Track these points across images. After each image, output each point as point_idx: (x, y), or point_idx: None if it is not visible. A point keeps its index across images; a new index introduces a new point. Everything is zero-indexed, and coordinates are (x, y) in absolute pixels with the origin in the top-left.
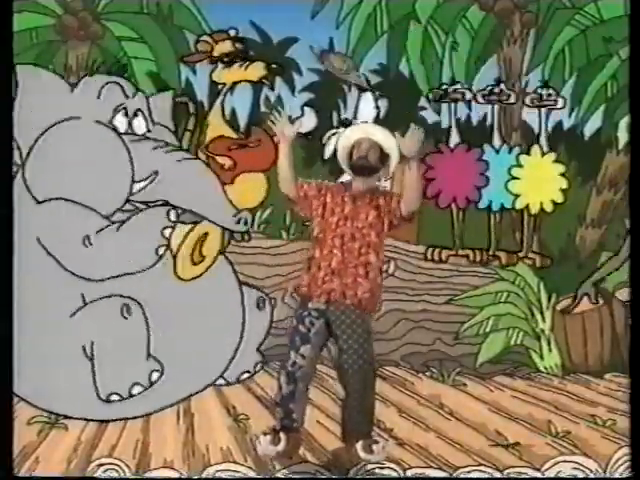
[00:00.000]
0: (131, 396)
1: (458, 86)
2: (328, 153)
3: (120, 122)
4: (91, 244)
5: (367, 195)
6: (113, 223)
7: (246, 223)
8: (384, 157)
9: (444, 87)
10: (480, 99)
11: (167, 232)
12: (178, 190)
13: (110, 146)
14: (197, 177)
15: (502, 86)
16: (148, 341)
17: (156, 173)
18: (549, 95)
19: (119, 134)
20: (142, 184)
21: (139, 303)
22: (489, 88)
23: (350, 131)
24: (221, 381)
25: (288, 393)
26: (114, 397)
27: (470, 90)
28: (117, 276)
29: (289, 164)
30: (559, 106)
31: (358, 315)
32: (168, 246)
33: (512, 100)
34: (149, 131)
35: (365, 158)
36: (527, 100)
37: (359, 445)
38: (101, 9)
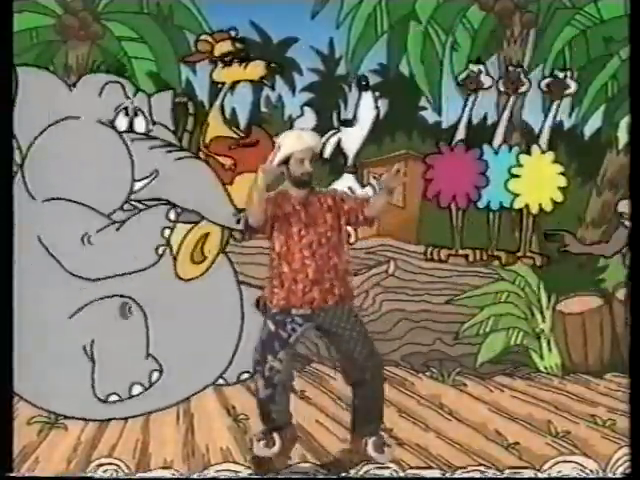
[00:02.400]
0: (131, 396)
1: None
2: (328, 153)
3: (121, 121)
4: (91, 243)
5: (313, 199)
6: (113, 222)
7: None
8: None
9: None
10: (501, 87)
11: (167, 232)
12: (178, 189)
13: (110, 145)
14: (197, 176)
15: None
16: (147, 341)
17: (156, 172)
18: (564, 78)
19: (119, 133)
20: (143, 182)
21: (138, 303)
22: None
23: (285, 144)
24: (221, 381)
25: (266, 397)
26: (113, 397)
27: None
28: (117, 275)
29: (262, 202)
30: (572, 90)
31: (346, 309)
32: (168, 246)
33: (525, 88)
34: (150, 130)
35: (309, 173)
36: (542, 85)
37: (371, 442)
38: (101, 9)
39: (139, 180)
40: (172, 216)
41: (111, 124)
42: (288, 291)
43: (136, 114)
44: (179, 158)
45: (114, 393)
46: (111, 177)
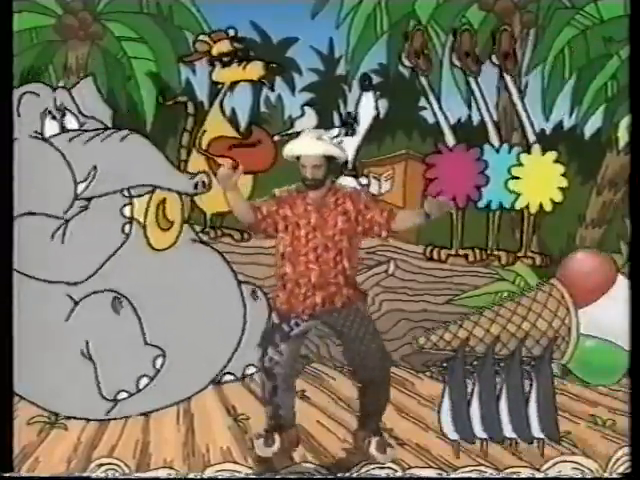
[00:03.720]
0: (139, 390)
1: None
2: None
3: (51, 126)
4: (61, 243)
5: (330, 200)
6: (68, 221)
7: (204, 186)
8: (330, 160)
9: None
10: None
11: (127, 209)
12: (125, 172)
13: (45, 157)
14: (141, 151)
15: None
16: (142, 327)
17: (95, 168)
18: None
19: (49, 142)
20: (84, 184)
21: (127, 297)
22: None
23: (292, 148)
24: (227, 377)
25: (271, 389)
26: (122, 394)
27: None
28: (98, 269)
29: (240, 202)
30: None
31: (354, 309)
32: (132, 221)
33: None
34: (82, 124)
35: (314, 179)
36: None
37: (374, 442)
38: (101, 9)
39: (81, 182)
40: (126, 193)
41: (41, 134)
42: (290, 294)
43: (64, 113)
44: (121, 138)
45: (122, 390)
46: (54, 188)
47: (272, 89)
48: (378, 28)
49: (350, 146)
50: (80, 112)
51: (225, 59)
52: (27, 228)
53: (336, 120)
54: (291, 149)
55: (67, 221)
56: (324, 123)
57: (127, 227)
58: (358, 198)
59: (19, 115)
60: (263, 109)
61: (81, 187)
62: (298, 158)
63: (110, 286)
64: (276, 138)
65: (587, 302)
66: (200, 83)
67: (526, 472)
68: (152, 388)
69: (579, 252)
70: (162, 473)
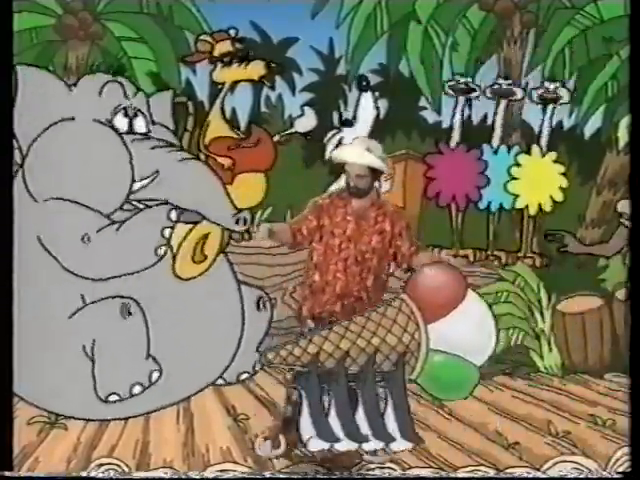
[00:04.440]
0: (132, 396)
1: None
2: (329, 154)
3: (120, 122)
4: (90, 241)
5: (370, 215)
6: (113, 222)
7: (245, 222)
8: (375, 172)
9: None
10: (488, 94)
11: (167, 232)
12: (178, 190)
13: (110, 145)
14: (197, 177)
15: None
16: (148, 341)
17: (157, 172)
18: (555, 89)
19: (119, 133)
20: (143, 182)
21: (139, 303)
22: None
23: (339, 153)
24: (220, 381)
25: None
26: (113, 397)
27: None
28: (117, 276)
29: (277, 235)
30: (565, 100)
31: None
32: (168, 246)
33: (519, 96)
34: (149, 131)
35: (356, 187)
36: (534, 96)
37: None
38: (101, 9)
39: (139, 180)
40: (173, 216)
41: (110, 124)
42: (314, 301)
43: (136, 115)
44: (180, 159)
45: (114, 393)
46: (111, 177)
47: (272, 88)
48: (378, 28)
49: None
50: (152, 119)
51: (226, 59)
52: (63, 213)
53: (335, 120)
54: (339, 154)
55: (113, 221)
56: (324, 123)
57: (161, 249)
58: (398, 221)
59: (100, 96)
60: (263, 109)
61: (137, 185)
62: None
63: (121, 292)
64: (276, 138)
65: (437, 317)
66: (200, 83)
67: (526, 472)
68: (152, 389)
69: (428, 267)
70: (162, 473)
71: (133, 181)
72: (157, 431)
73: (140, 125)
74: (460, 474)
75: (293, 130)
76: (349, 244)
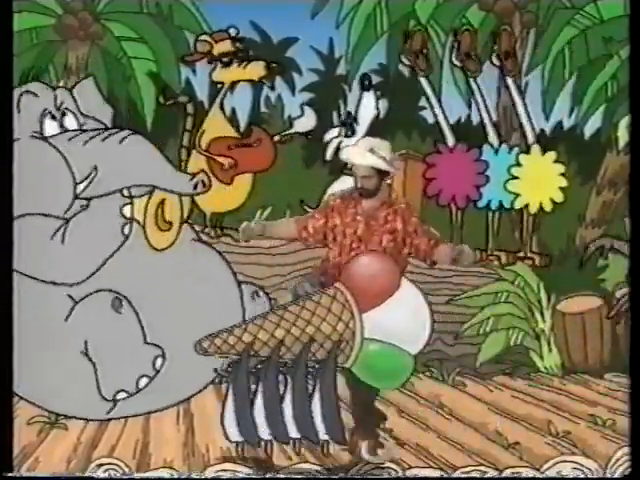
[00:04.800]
0: (139, 390)
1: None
2: (329, 155)
3: (51, 126)
4: (62, 243)
5: (380, 215)
6: (68, 220)
7: (204, 186)
8: (382, 172)
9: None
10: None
11: (127, 210)
12: (125, 172)
13: (45, 157)
14: (140, 152)
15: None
16: (142, 327)
17: (95, 169)
18: None
19: (49, 142)
20: (84, 184)
21: (125, 297)
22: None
23: (345, 154)
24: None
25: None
26: (121, 395)
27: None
28: (97, 269)
29: (276, 229)
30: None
31: None
32: (132, 221)
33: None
34: (82, 124)
35: (363, 188)
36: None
37: (364, 445)
38: (101, 9)
39: (80, 182)
40: (125, 193)
41: (41, 133)
42: None
43: (64, 113)
44: (117, 141)
45: (122, 390)
46: (54, 188)
47: (272, 88)
48: (378, 28)
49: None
50: (80, 112)
51: (225, 59)
52: (27, 228)
53: (335, 120)
54: (345, 155)
55: (67, 221)
56: (324, 123)
57: (127, 227)
58: (410, 219)
59: (19, 113)
60: (263, 109)
61: (81, 187)
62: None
63: (110, 286)
64: (276, 138)
65: (372, 306)
66: (200, 83)
67: (526, 472)
68: (152, 388)
69: (363, 255)
70: (162, 473)
71: (75, 185)
72: (157, 431)
73: (71, 122)
74: (460, 474)
75: (293, 130)
76: (360, 244)
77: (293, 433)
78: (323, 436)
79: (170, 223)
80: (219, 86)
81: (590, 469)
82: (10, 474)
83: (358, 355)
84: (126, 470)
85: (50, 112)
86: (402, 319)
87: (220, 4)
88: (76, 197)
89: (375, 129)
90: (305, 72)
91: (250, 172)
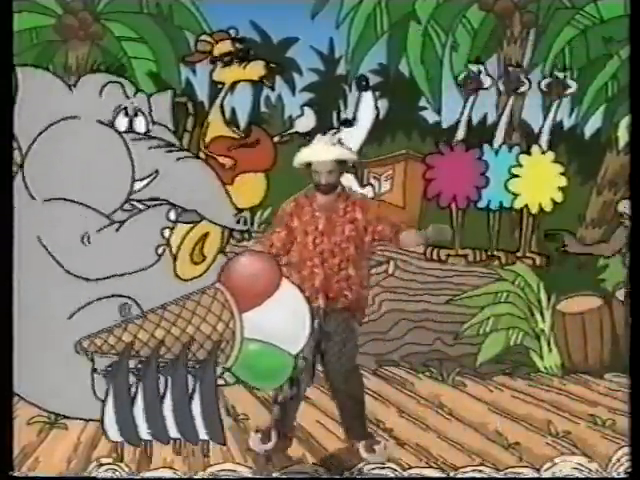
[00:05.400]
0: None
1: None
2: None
3: (121, 121)
4: (90, 243)
5: (339, 207)
6: (113, 222)
7: (246, 223)
8: (341, 164)
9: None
10: (501, 86)
11: (167, 232)
12: (178, 189)
13: (110, 145)
14: (198, 176)
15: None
16: None
17: (157, 172)
18: (564, 78)
19: (119, 133)
20: (143, 182)
21: (138, 303)
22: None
23: (303, 156)
24: (221, 381)
25: (290, 395)
26: None
27: (489, 75)
28: (116, 275)
29: None
30: (572, 89)
31: (346, 316)
32: (168, 245)
33: (525, 88)
34: (149, 130)
35: (328, 183)
36: (543, 85)
37: (361, 445)
38: (101, 9)
39: (139, 180)
40: (172, 216)
41: (111, 124)
42: None
43: (136, 114)
44: (179, 158)
45: None
46: (111, 177)
47: (272, 88)
48: (378, 28)
49: (350, 145)
50: (152, 119)
51: (226, 59)
52: (65, 214)
53: (335, 120)
54: (303, 157)
55: (113, 221)
56: (324, 123)
57: (161, 249)
58: (368, 208)
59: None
60: (263, 109)
61: (139, 185)
62: (309, 165)
63: (121, 292)
64: (276, 139)
65: (252, 306)
66: (200, 83)
67: (526, 472)
68: None
69: (243, 255)
70: (162, 473)
71: (134, 180)
72: None
73: (140, 124)
74: (460, 474)
75: (293, 130)
76: (323, 238)
77: (173, 433)
78: (203, 436)
79: (205, 257)
80: (219, 86)
81: (590, 469)
82: (10, 474)
83: (238, 355)
84: (126, 470)
85: (126, 108)
86: (282, 319)
87: (220, 4)
88: (129, 199)
89: (375, 129)
90: (305, 72)
91: (250, 172)
